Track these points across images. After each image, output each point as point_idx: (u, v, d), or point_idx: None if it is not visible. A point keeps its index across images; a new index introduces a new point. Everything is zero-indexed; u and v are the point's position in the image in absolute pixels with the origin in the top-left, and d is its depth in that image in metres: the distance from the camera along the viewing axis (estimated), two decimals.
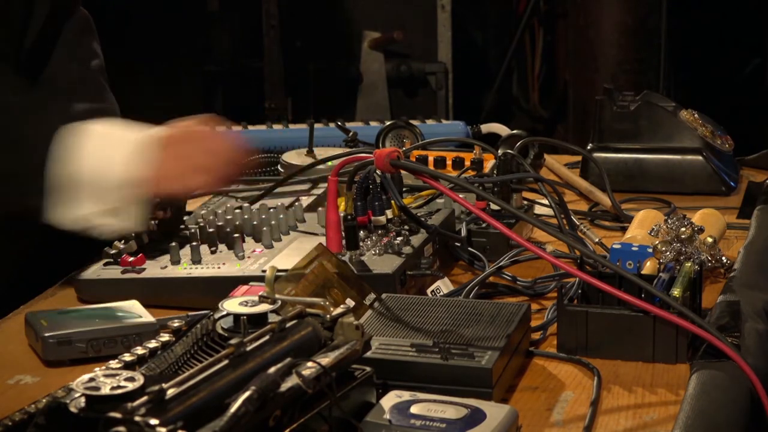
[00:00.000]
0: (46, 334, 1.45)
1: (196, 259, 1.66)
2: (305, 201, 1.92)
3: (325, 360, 1.12)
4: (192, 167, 1.65)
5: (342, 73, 4.16)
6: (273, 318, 1.27)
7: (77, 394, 1.02)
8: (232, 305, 1.31)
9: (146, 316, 1.51)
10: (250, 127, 2.53)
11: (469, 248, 1.74)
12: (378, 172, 1.62)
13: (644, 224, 1.71)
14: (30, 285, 1.71)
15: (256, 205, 1.88)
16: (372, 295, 1.47)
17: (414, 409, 1.18)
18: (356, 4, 4.19)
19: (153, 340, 1.26)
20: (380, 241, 1.62)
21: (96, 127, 1.66)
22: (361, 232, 1.63)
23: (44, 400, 1.13)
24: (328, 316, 1.20)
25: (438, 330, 1.36)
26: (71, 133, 1.63)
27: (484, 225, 1.77)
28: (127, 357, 1.23)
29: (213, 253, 1.69)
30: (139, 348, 1.25)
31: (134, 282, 1.63)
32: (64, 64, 1.86)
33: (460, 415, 1.16)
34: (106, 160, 1.63)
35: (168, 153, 1.64)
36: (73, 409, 1.01)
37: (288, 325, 1.18)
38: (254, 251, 1.67)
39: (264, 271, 1.48)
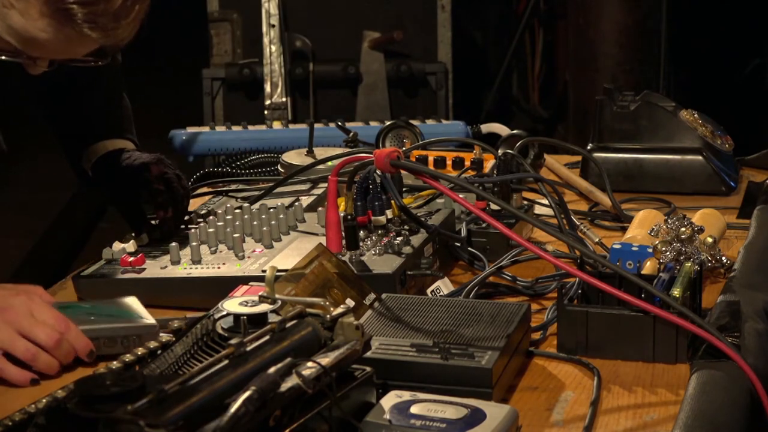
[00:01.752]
0: None
1: (196, 259, 1.66)
2: (305, 201, 1.92)
3: (325, 360, 1.12)
4: None
5: (342, 73, 4.16)
6: (273, 318, 1.27)
7: (77, 394, 1.02)
8: (232, 305, 1.31)
9: (145, 315, 1.50)
10: (250, 127, 2.53)
11: (469, 248, 1.74)
12: (378, 172, 1.62)
13: (644, 224, 1.71)
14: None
15: (256, 205, 1.88)
16: (372, 295, 1.47)
17: (414, 409, 1.18)
18: (356, 4, 4.18)
19: (153, 341, 1.26)
20: (380, 241, 1.62)
21: None
22: (361, 232, 1.63)
23: (44, 400, 1.13)
24: (328, 316, 1.20)
25: (438, 330, 1.36)
26: None
27: (484, 225, 1.77)
28: (128, 357, 1.23)
29: (213, 253, 1.68)
30: (139, 348, 1.25)
31: (134, 282, 1.63)
32: None
33: (460, 415, 1.16)
34: None
35: None
36: (73, 409, 1.01)
37: (288, 325, 1.18)
38: (254, 251, 1.67)
39: (264, 271, 1.48)
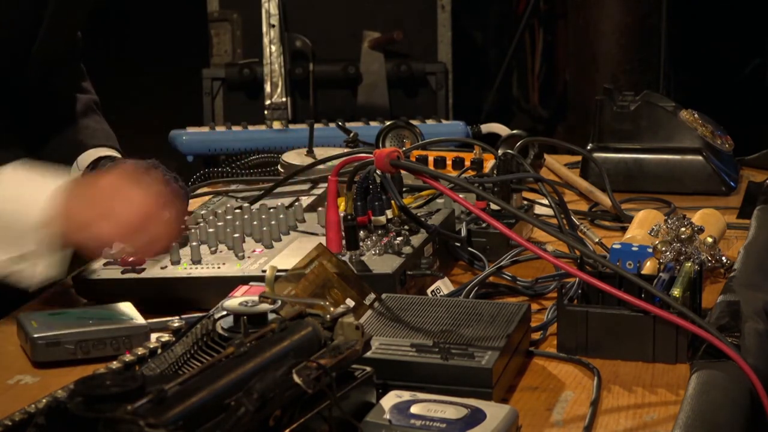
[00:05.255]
0: (35, 335, 1.44)
1: (196, 259, 1.66)
2: (305, 201, 1.92)
3: (325, 360, 1.12)
4: (100, 215, 1.57)
5: (342, 73, 4.16)
6: (273, 318, 1.27)
7: (77, 394, 1.02)
8: (232, 305, 1.31)
9: (138, 319, 1.50)
10: (250, 127, 2.53)
11: (469, 248, 1.74)
12: (378, 172, 1.62)
13: (644, 224, 1.71)
14: None
15: (256, 205, 1.88)
16: (372, 295, 1.47)
17: (414, 409, 1.18)
18: (356, 4, 4.19)
19: (153, 340, 1.26)
20: (380, 241, 1.62)
21: (8, 172, 1.62)
22: (361, 232, 1.63)
23: (44, 400, 1.13)
24: (328, 316, 1.20)
25: (438, 330, 1.36)
26: None
27: (484, 225, 1.77)
28: (128, 357, 1.23)
29: (213, 253, 1.68)
30: (139, 348, 1.25)
31: (134, 282, 1.63)
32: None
33: (460, 415, 1.16)
34: (19, 203, 1.58)
35: (77, 199, 1.58)
36: (73, 409, 1.01)
37: (288, 325, 1.18)
38: (254, 251, 1.67)
39: (264, 271, 1.48)
